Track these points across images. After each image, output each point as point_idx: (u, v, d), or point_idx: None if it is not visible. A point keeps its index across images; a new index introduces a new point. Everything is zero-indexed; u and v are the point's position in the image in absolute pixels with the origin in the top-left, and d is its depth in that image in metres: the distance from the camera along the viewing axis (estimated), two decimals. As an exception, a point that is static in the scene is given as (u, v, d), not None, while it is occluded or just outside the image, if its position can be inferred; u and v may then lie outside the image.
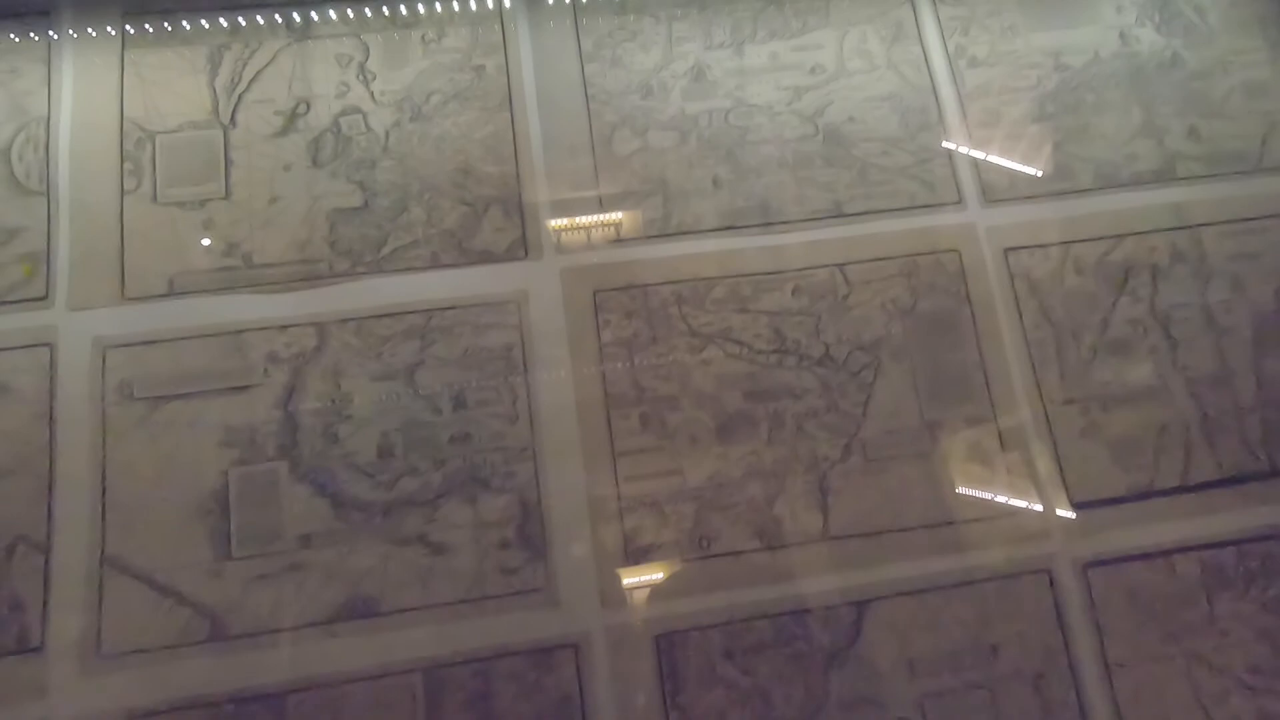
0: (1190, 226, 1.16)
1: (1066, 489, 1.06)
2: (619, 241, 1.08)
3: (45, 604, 0.91)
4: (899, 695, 0.98)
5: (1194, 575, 1.05)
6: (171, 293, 1.00)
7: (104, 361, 0.97)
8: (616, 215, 1.07)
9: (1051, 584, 1.03)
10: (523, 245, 1.06)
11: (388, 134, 1.08)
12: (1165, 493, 1.08)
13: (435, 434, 1.00)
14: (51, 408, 0.96)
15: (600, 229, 1.07)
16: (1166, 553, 1.06)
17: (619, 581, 0.98)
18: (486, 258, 1.05)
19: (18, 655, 0.90)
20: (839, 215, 1.12)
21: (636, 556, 0.99)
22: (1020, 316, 1.11)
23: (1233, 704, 1.02)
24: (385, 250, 1.04)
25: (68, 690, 0.90)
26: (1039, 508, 1.05)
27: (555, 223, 1.07)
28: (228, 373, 0.99)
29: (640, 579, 0.99)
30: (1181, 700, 1.01)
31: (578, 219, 1.07)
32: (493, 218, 1.06)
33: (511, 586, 0.97)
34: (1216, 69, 1.23)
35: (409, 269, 1.04)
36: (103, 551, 0.93)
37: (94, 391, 0.97)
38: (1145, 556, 1.06)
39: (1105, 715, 1.00)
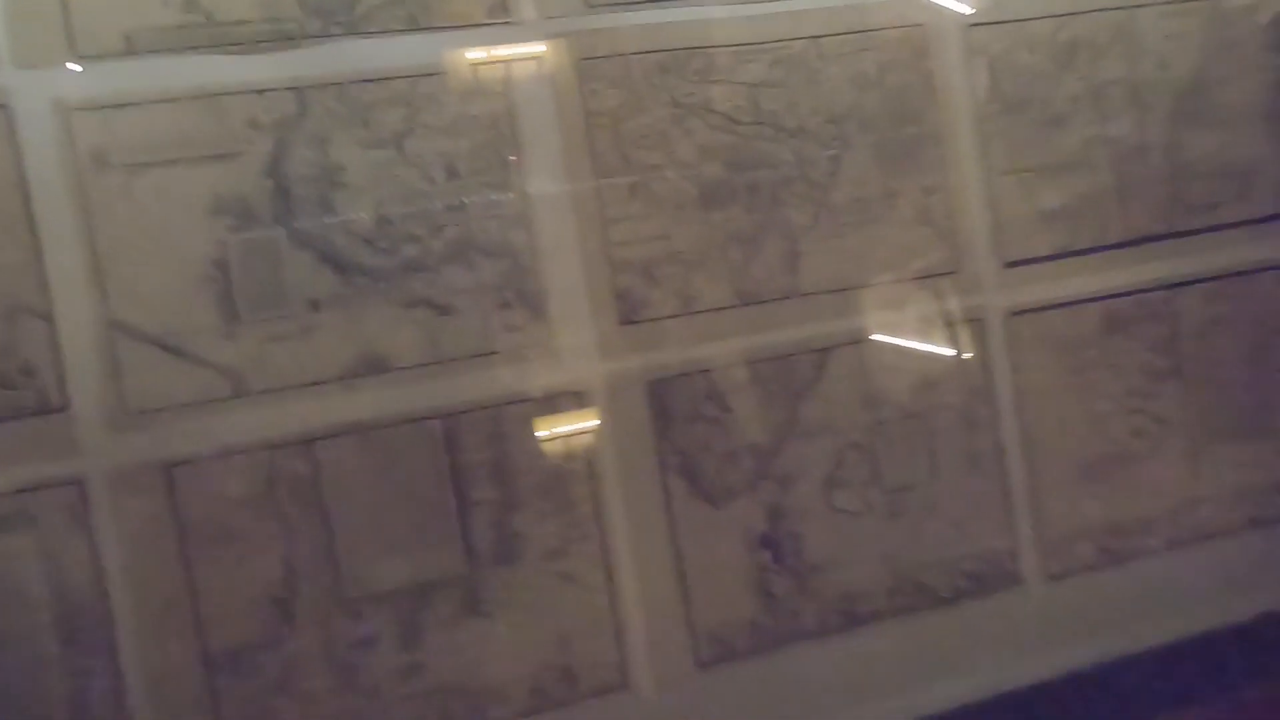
0: (1134, 6, 0.79)
1: (1001, 249, 0.77)
2: (603, 7, 0.68)
3: (60, 368, 0.59)
4: (854, 425, 0.74)
5: (1096, 321, 0.80)
6: (130, 51, 0.60)
7: (70, 126, 0.59)
8: None
9: (981, 330, 0.76)
10: (503, 8, 0.66)
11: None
12: (1081, 252, 0.80)
13: (431, 202, 0.66)
14: (23, 175, 0.58)
15: None
16: (1076, 302, 0.79)
17: (614, 336, 0.68)
18: (465, 21, 0.66)
19: (41, 415, 0.60)
20: (817, -16, 0.72)
21: (629, 314, 0.70)
22: (975, 91, 0.75)
23: (1114, 421, 0.80)
24: (359, 10, 0.64)
25: (100, 446, 0.61)
26: (976, 266, 0.76)
27: None
28: (208, 139, 0.62)
29: (632, 334, 0.69)
30: (1076, 418, 0.79)
31: None
32: None
33: (515, 342, 0.68)
34: None
35: (387, 31, 0.64)
36: (108, 318, 0.59)
37: (65, 158, 0.60)
38: (1060, 306, 0.79)
39: (1015, 432, 0.77)
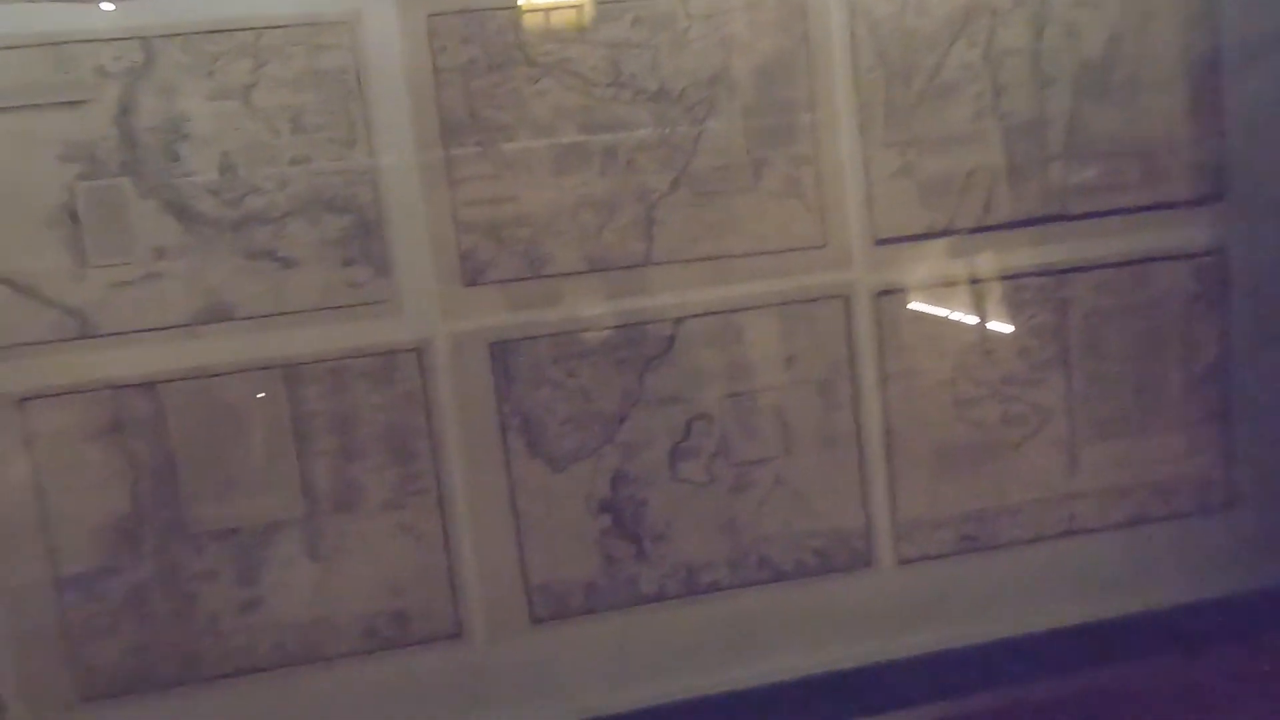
0: (1039, -33, 0.75)
1: (873, 225, 0.75)
2: None
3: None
4: (703, 396, 0.75)
5: (973, 302, 0.77)
6: (-25, -6, 0.63)
7: (-81, 68, 0.62)
8: None
9: (847, 309, 0.76)
10: None
11: None
12: (961, 231, 0.77)
13: (276, 154, 0.68)
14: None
15: None
16: (953, 284, 0.77)
17: (457, 296, 0.70)
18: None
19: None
20: (685, -61, 0.71)
21: (473, 275, 0.72)
22: (855, 58, 0.73)
23: (983, 407, 0.79)
24: None
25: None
26: (845, 241, 0.75)
27: None
28: (55, 86, 0.65)
29: (477, 295, 0.71)
30: (941, 402, 0.79)
31: None
32: None
33: (358, 298, 0.70)
34: None
35: None
36: (-40, 257, 0.64)
37: (-85, 99, 0.63)
38: (932, 286, 0.77)
39: (876, 412, 0.77)
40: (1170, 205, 0.83)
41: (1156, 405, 0.85)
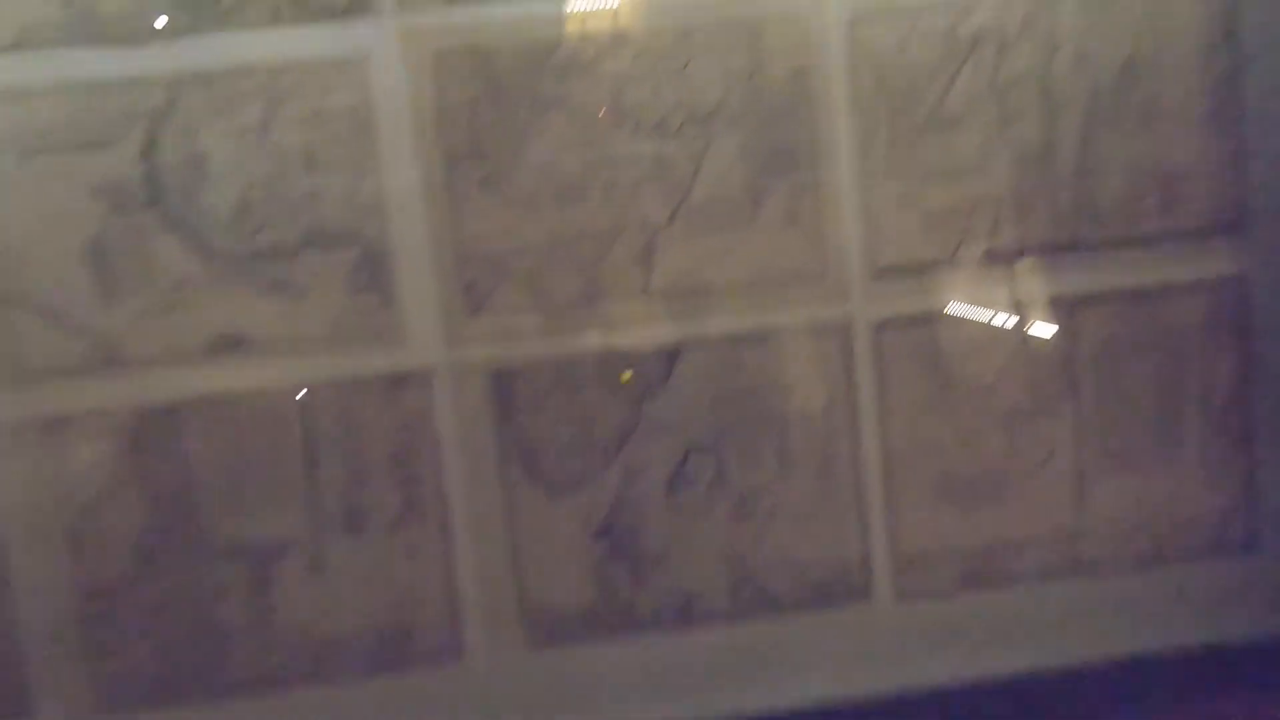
0: (1048, -6, 0.76)
1: (874, 256, 0.77)
2: (460, 1, 0.72)
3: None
4: (701, 425, 0.77)
5: (978, 336, 0.79)
6: (18, 46, 0.69)
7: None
8: None
9: (847, 339, 0.77)
10: (362, 1, 0.71)
11: (216, -128, 0.70)
12: (966, 262, 0.78)
13: (288, 191, 0.72)
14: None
15: None
16: (957, 316, 0.78)
17: (460, 325, 0.74)
18: (328, 14, 0.71)
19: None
20: (686, -25, 0.74)
21: (476, 305, 0.75)
22: (856, 88, 0.75)
23: (988, 438, 0.79)
24: (225, 3, 0.70)
25: (-4, 401, 0.71)
26: (846, 272, 0.77)
27: None
28: (86, 128, 0.70)
29: (480, 324, 0.75)
30: (943, 433, 0.79)
31: None
32: None
33: (365, 327, 0.74)
34: None
35: (250, 24, 0.70)
36: None
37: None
38: (934, 318, 0.78)
39: (876, 445, 0.78)
40: (1188, 234, 0.83)
41: (1172, 439, 0.84)
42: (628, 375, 0.77)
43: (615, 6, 0.77)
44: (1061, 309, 0.83)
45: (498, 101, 0.77)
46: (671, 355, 0.80)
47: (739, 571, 0.82)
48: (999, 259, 0.82)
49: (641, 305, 0.80)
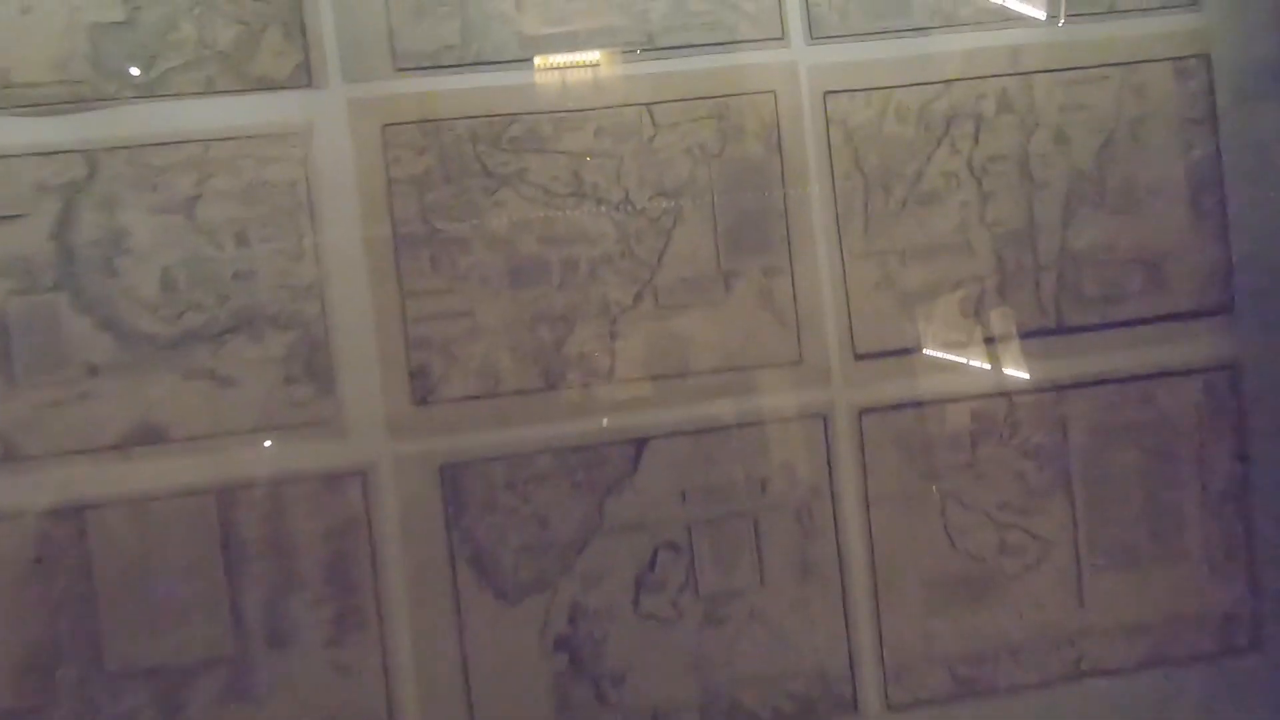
0: (1024, 73, 0.74)
1: (853, 340, 0.72)
2: (411, 70, 0.67)
3: None
4: (669, 522, 0.71)
5: (963, 423, 0.74)
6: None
7: None
8: (408, 41, 0.67)
9: (826, 428, 0.72)
10: (306, 72, 0.66)
11: (149, -64, 0.65)
12: (948, 346, 0.73)
13: (218, 270, 0.66)
14: None
15: (390, 56, 0.67)
16: (940, 402, 0.73)
17: (405, 416, 0.67)
18: (267, 84, 0.66)
19: None
20: (652, 49, 0.70)
21: (423, 393, 0.68)
22: (831, 166, 0.72)
23: (977, 535, 0.74)
24: (154, 72, 0.65)
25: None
26: (823, 357, 0.72)
27: (341, 48, 0.66)
28: (-7, 201, 0.64)
29: (426, 414, 0.68)
30: (930, 530, 0.74)
31: (367, 43, 0.66)
32: (272, 39, 0.66)
33: (300, 418, 0.67)
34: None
35: (182, 94, 0.65)
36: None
37: None
38: (919, 404, 0.73)
39: (859, 543, 0.72)
40: (1175, 317, 0.79)
41: (1171, 533, 0.80)
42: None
43: (576, 79, 0.73)
44: (1050, 395, 0.79)
45: (450, 176, 0.72)
46: (637, 446, 0.74)
47: (712, 685, 0.75)
48: (983, 343, 0.78)
49: (604, 392, 0.74)
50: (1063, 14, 0.76)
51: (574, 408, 0.74)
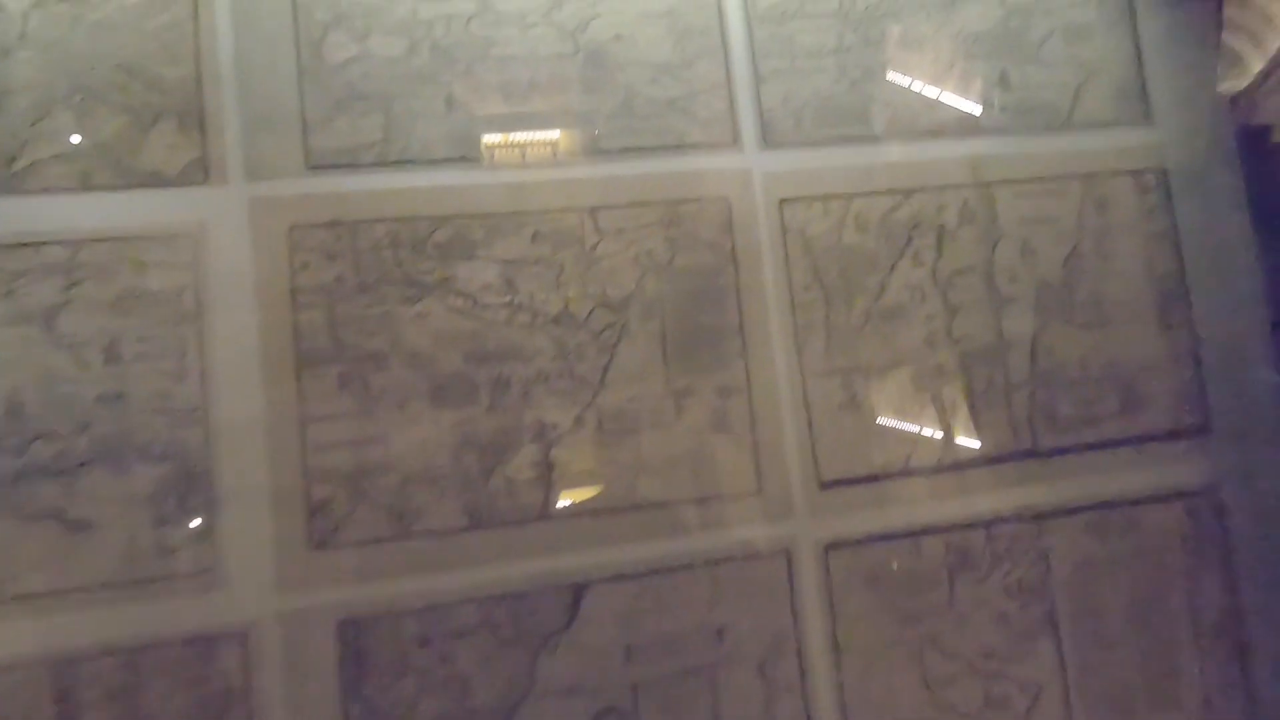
0: (986, 184, 0.71)
1: (817, 466, 0.65)
2: (326, 168, 0.60)
3: None
4: (612, 682, 0.60)
5: (939, 557, 0.67)
6: None
7: None
8: (323, 136, 0.60)
9: (789, 566, 0.63)
10: (203, 168, 0.59)
11: (26, 16, 0.58)
12: (920, 472, 0.67)
13: (79, 391, 0.56)
14: None
15: (302, 152, 0.59)
16: (914, 534, 0.67)
17: (300, 562, 0.56)
18: (155, 181, 0.58)
19: None
20: (596, 151, 0.64)
21: (323, 535, 0.58)
22: (789, 277, 0.66)
23: (960, 687, 0.65)
24: (20, 164, 0.56)
25: None
26: (785, 486, 0.64)
27: (246, 142, 0.58)
28: None
29: (325, 560, 0.57)
30: (908, 683, 0.65)
31: (275, 139, 0.59)
32: (164, 132, 0.58)
33: (169, 569, 0.56)
34: (1038, 8, 0.74)
35: (51, 189, 0.56)
36: None
37: None
38: (891, 538, 0.66)
39: (829, 699, 0.63)
40: (1153, 438, 0.75)
41: (1165, 671, 0.72)
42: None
43: (512, 180, 0.67)
44: (1029, 525, 0.72)
45: (365, 285, 0.64)
46: (575, 592, 0.64)
47: None
48: (956, 468, 0.71)
49: (538, 530, 0.64)
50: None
51: (503, 549, 0.64)
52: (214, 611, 0.59)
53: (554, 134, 0.67)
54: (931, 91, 0.74)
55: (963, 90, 0.75)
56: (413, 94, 0.66)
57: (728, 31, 0.71)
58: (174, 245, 0.61)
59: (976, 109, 0.75)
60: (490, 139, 0.66)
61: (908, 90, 0.74)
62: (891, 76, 0.74)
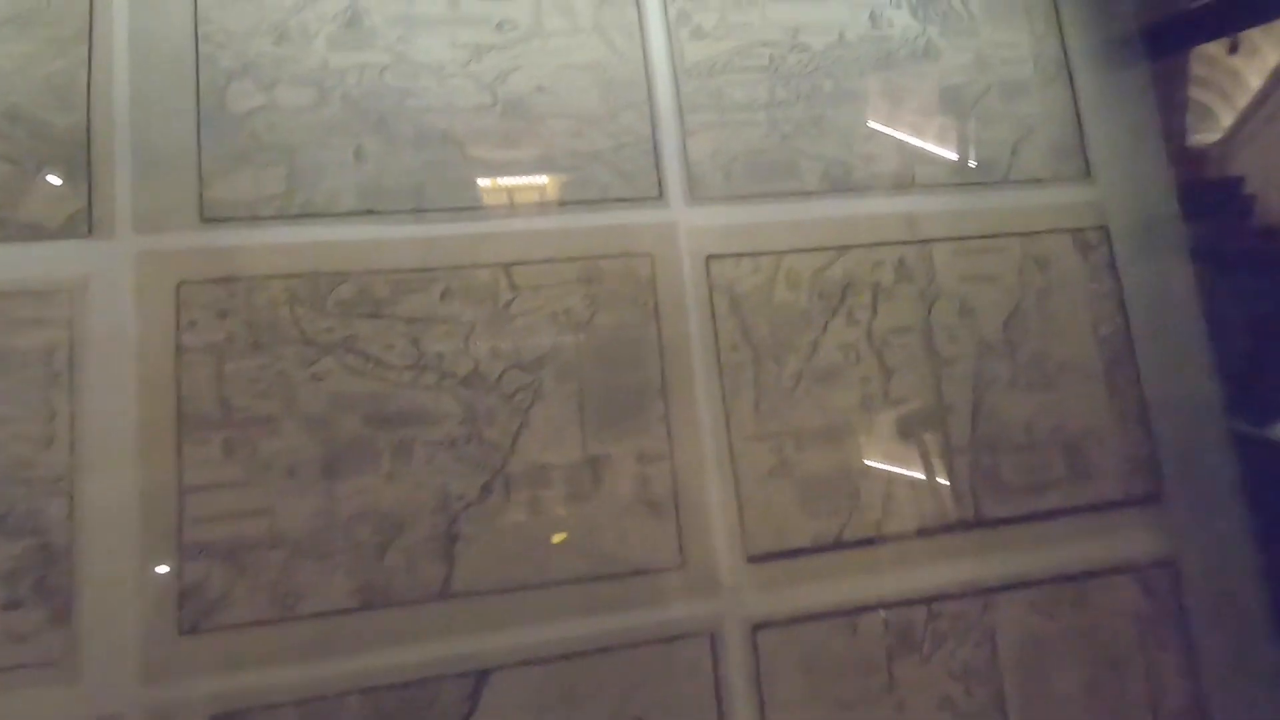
0: (922, 241, 0.69)
1: (744, 538, 0.61)
2: (222, 221, 0.57)
3: None
4: None
5: (877, 636, 0.62)
6: None
7: None
8: (221, 188, 0.56)
9: (714, 649, 0.58)
10: (87, 220, 0.55)
11: (-97, 61, 0.55)
12: (856, 544, 0.63)
13: (-70, 460, 0.50)
14: None
15: (197, 204, 0.56)
16: (850, 612, 0.62)
17: (168, 650, 0.51)
18: (33, 233, 0.55)
19: None
20: (511, 205, 0.61)
21: (196, 618, 0.53)
22: (716, 336, 0.63)
23: (903, 782, 0.59)
24: None
25: None
26: (710, 560, 0.59)
27: (136, 194, 0.55)
28: None
29: (198, 646, 0.51)
30: (847, 779, 0.58)
31: (168, 190, 0.55)
32: (45, 182, 0.54)
33: (18, 658, 0.50)
34: (974, 64, 0.73)
35: None
36: None
37: None
38: (825, 616, 0.62)
39: (758, 798, 0.57)
40: (1103, 506, 0.71)
41: (1124, 767, 0.67)
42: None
43: (420, 234, 0.64)
44: (974, 600, 0.68)
45: (259, 344, 0.60)
46: (477, 680, 0.59)
47: None
48: (894, 539, 0.67)
49: (437, 611, 0.59)
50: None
51: (397, 632, 0.59)
52: (71, 705, 0.54)
53: (468, 188, 0.65)
54: (865, 146, 0.73)
55: (898, 145, 0.74)
56: (320, 145, 0.63)
57: (654, 84, 0.70)
58: (49, 301, 0.57)
59: (912, 165, 0.73)
60: (400, 192, 0.64)
61: (841, 145, 0.72)
62: (824, 131, 0.72)
